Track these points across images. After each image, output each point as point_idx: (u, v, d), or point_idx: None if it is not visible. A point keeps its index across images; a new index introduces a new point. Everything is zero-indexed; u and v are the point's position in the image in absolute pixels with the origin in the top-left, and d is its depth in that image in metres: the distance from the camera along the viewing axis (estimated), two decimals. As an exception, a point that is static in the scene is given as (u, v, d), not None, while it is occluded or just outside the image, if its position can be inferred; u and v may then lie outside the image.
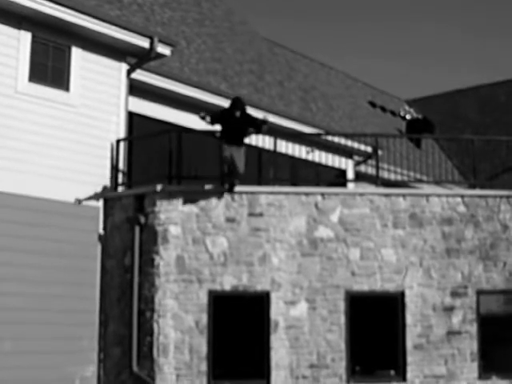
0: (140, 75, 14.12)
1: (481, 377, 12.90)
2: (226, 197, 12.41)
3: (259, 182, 13.28)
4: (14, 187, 11.63)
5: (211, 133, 12.72)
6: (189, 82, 15.34)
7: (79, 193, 12.40)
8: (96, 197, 12.67)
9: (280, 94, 19.05)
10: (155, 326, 12.00)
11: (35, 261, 11.71)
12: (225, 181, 11.99)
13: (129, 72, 13.56)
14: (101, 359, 12.44)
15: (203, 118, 11.70)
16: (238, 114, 11.28)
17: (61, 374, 11.86)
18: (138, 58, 13.49)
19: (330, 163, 17.63)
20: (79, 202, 12.15)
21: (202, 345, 12.05)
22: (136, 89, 14.14)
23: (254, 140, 14.94)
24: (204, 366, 12.00)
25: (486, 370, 12.96)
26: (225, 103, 15.83)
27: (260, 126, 11.67)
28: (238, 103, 11.41)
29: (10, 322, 11.32)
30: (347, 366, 12.37)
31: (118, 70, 13.36)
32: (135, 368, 11.96)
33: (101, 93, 13.05)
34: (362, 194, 13.01)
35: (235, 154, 11.54)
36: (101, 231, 12.69)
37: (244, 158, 11.77)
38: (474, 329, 12.93)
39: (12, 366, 11.24)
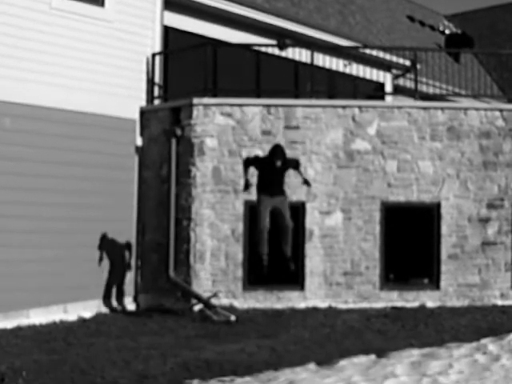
0: (175, -11, 14.03)
1: (514, 287, 13.02)
2: (262, 110, 12.45)
3: (296, 96, 13.23)
4: (52, 101, 11.75)
5: (247, 46, 12.64)
6: (225, -5, 15.17)
7: (116, 106, 12.51)
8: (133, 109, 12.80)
9: (317, 8, 18.76)
10: (192, 234, 12.26)
11: (75, 172, 11.94)
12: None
13: (164, -14, 13.49)
14: (138, 266, 12.79)
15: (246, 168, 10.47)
16: (279, 163, 10.08)
17: (99, 280, 12.24)
18: (173, -28, 13.42)
19: (367, 76, 17.39)
20: None
21: (237, 252, 12.31)
22: (171, 3, 14.03)
23: (291, 53, 14.83)
24: (239, 272, 12.30)
25: (519, 280, 13.06)
26: (262, 17, 15.68)
27: (298, 166, 10.62)
28: (279, 153, 10.15)
29: (49, 231, 11.58)
30: (381, 273, 12.56)
31: (152, -15, 13.30)
32: (172, 274, 12.25)
33: (136, 8, 13.01)
34: (399, 107, 12.95)
35: (280, 206, 10.34)
36: (138, 143, 12.88)
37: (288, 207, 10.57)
38: (508, 240, 12.97)
39: (53, 272, 11.57)
